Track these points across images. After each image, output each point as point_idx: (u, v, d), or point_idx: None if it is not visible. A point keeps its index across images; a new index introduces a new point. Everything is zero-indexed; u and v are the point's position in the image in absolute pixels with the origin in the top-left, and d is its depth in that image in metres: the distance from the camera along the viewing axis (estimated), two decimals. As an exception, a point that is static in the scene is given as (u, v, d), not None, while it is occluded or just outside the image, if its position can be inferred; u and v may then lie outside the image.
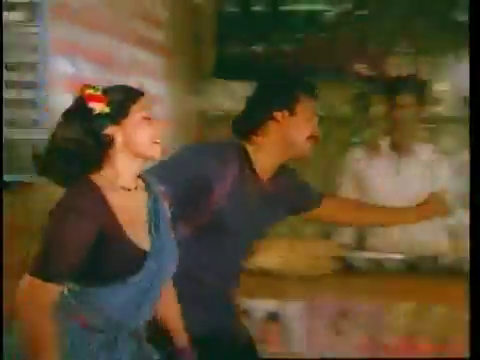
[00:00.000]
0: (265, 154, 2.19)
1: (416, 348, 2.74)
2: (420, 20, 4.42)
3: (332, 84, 4.42)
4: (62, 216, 1.72)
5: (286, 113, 2.18)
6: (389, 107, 3.15)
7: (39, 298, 1.71)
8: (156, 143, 1.77)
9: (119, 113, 1.76)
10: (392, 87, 3.19)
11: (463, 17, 4.45)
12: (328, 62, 4.51)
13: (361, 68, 4.57)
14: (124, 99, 1.78)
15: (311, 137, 2.20)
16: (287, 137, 2.18)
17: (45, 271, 1.70)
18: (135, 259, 1.77)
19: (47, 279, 1.70)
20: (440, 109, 4.65)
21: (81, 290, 1.77)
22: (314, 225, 3.87)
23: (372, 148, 3.25)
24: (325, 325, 2.78)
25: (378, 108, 3.58)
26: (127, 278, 1.77)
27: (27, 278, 1.70)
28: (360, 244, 3.20)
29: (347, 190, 3.21)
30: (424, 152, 3.19)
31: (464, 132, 2.80)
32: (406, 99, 3.08)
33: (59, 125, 1.77)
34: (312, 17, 4.80)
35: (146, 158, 1.79)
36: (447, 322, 2.68)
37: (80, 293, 1.77)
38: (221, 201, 2.13)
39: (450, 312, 2.69)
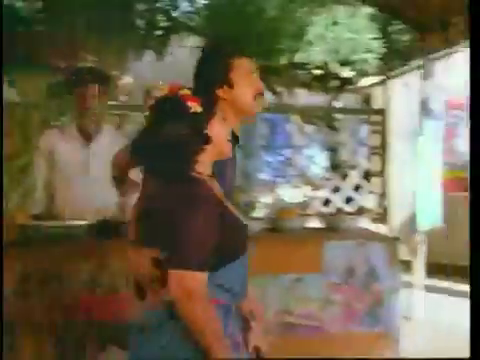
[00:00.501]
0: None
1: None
2: (104, 21, 5.05)
3: (30, 75, 4.86)
4: (192, 206, 1.79)
5: (226, 88, 2.30)
6: (78, 96, 3.63)
7: (198, 289, 1.76)
8: (229, 141, 1.99)
9: (209, 113, 1.93)
10: (80, 79, 3.64)
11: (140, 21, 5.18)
12: (25, 55, 4.92)
13: (56, 61, 5.06)
14: (210, 100, 1.97)
15: (257, 94, 2.36)
16: (236, 105, 2.31)
17: (195, 261, 1.77)
18: (245, 234, 1.97)
19: (199, 268, 1.77)
20: (125, 99, 5.31)
21: (209, 274, 1.82)
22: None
23: (64, 131, 3.73)
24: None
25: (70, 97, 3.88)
26: (244, 252, 1.95)
27: (177, 274, 1.77)
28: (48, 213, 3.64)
29: (40, 165, 3.74)
30: (107, 135, 3.73)
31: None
32: (91, 90, 3.58)
33: (158, 121, 1.90)
34: (8, 13, 4.98)
35: (223, 156, 2.00)
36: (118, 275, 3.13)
37: (210, 277, 1.83)
38: None
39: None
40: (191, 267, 1.76)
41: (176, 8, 6.45)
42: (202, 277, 1.77)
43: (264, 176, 7.39)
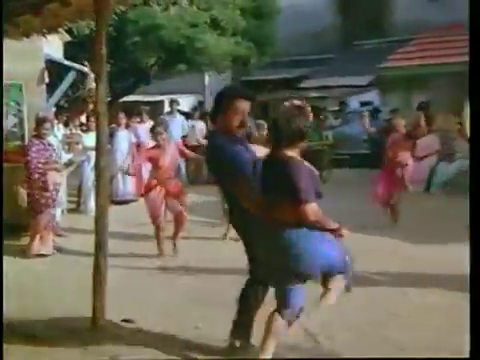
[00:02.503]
0: None
1: None
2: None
3: None
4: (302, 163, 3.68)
5: (220, 116, 3.98)
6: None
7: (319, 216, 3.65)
8: None
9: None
10: None
11: None
12: None
13: None
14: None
15: (240, 125, 3.95)
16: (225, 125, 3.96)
17: (312, 197, 3.60)
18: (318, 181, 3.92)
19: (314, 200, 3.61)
20: None
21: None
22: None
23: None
24: None
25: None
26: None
27: (311, 205, 3.58)
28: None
29: None
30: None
31: None
32: None
33: (294, 120, 3.64)
34: None
35: None
36: None
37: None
38: None
39: None
40: (313, 200, 3.59)
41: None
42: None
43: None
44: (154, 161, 7.08)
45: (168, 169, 7.08)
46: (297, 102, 3.75)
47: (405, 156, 8.27)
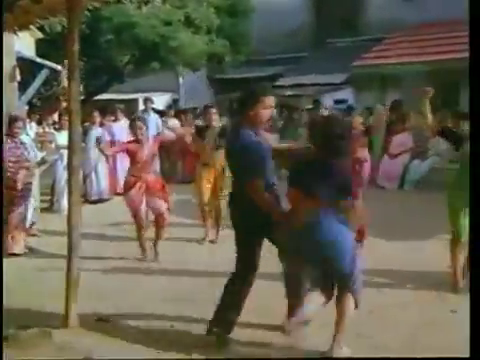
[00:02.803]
0: None
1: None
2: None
3: None
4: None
5: (251, 111, 4.30)
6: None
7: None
8: None
9: None
10: None
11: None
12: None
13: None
14: None
15: (267, 119, 4.42)
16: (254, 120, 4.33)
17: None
18: None
19: None
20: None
21: None
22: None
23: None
24: None
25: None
26: None
27: (359, 201, 4.29)
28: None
29: None
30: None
31: None
32: None
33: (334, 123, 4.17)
34: None
35: None
36: None
37: None
38: None
39: None
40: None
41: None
42: None
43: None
44: (132, 155, 6.92)
45: (146, 164, 6.91)
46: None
47: (363, 153, 8.26)
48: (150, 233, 7.02)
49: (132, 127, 7.10)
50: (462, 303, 5.15)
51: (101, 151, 7.78)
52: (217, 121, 7.67)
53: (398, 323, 4.81)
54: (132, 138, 7.15)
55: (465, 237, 5.39)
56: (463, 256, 5.57)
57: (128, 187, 6.88)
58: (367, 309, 5.07)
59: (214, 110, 7.70)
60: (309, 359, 4.18)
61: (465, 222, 5.36)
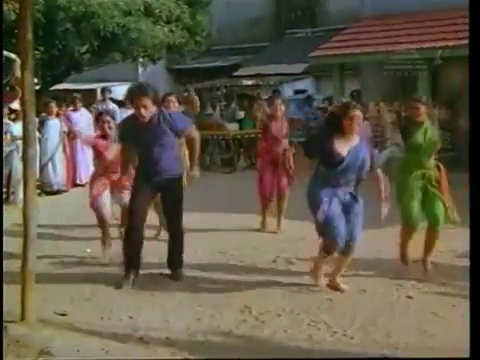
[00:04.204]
0: None
1: None
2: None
3: None
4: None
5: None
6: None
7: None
8: None
9: None
10: None
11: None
12: None
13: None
14: None
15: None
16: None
17: None
18: None
19: None
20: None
21: None
22: None
23: None
24: None
25: None
26: None
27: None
28: None
29: None
30: None
31: None
32: None
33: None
34: None
35: None
36: None
37: None
38: None
39: None
40: None
41: None
42: None
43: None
44: (99, 152, 6.52)
45: (113, 163, 6.39)
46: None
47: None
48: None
49: (98, 121, 6.72)
50: (417, 289, 5.26)
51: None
52: (177, 108, 7.56)
53: (356, 309, 4.85)
54: (99, 132, 6.73)
55: (412, 222, 5.61)
56: (413, 241, 5.72)
57: (94, 190, 6.44)
58: (325, 297, 5.13)
59: (173, 97, 7.63)
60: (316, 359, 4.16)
61: (412, 206, 5.57)
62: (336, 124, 5.03)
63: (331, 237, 5.02)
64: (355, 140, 5.05)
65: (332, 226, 5.00)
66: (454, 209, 5.66)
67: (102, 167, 6.56)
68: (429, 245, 5.74)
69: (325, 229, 5.04)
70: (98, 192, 6.43)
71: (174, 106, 7.42)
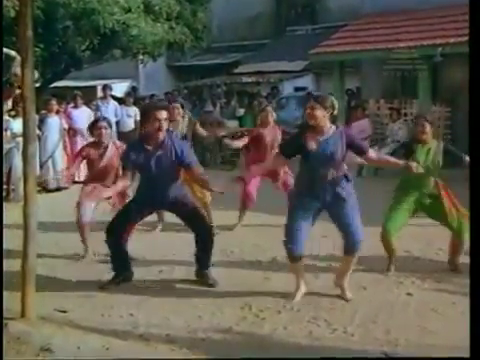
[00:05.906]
0: None
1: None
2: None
3: None
4: None
5: None
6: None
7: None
8: None
9: None
10: None
11: None
12: None
13: None
14: None
15: None
16: None
17: None
18: None
19: None
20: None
21: None
22: None
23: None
24: None
25: None
26: None
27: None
28: None
29: None
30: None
31: None
32: None
33: None
34: None
35: None
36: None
37: None
38: None
39: None
40: None
41: None
42: None
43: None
44: (90, 161, 6.44)
45: (105, 173, 6.35)
46: None
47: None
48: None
49: (93, 128, 6.46)
50: (417, 286, 5.26)
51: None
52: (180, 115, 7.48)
53: (356, 306, 4.86)
54: (92, 140, 6.59)
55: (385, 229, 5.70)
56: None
57: (81, 197, 6.36)
58: (325, 292, 5.13)
59: (178, 105, 7.56)
60: (321, 359, 4.15)
61: (392, 216, 5.69)
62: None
63: (286, 242, 4.99)
64: (326, 134, 4.92)
65: (289, 231, 4.98)
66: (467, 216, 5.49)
67: (91, 175, 6.54)
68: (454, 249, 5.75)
69: (285, 233, 5.03)
70: (82, 201, 6.32)
71: (179, 113, 7.35)
